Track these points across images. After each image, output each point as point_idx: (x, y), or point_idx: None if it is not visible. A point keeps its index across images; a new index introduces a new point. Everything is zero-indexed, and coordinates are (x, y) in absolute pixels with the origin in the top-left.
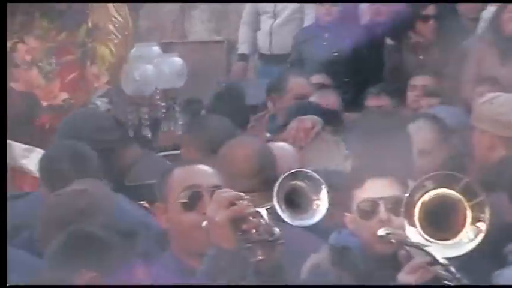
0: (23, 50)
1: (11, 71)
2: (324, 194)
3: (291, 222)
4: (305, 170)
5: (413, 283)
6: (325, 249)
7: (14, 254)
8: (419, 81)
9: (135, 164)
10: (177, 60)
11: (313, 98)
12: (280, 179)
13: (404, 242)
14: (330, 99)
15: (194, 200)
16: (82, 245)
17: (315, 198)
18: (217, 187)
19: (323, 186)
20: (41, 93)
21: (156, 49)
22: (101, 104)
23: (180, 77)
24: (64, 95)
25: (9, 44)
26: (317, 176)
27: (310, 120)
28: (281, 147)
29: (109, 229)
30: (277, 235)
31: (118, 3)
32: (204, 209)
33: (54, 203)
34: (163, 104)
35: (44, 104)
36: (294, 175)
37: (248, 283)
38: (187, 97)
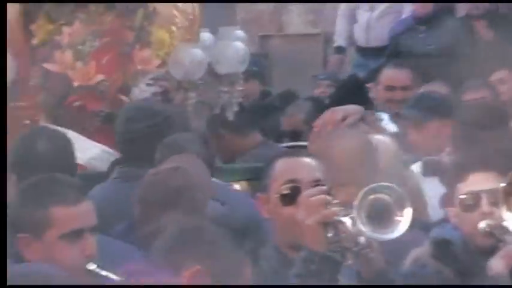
0: (66, 32)
1: (49, 53)
2: (407, 212)
3: (370, 234)
4: (391, 185)
5: (504, 269)
6: (427, 243)
7: (111, 244)
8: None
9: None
10: (240, 45)
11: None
12: (364, 190)
13: (505, 234)
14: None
15: (293, 194)
16: (192, 239)
17: (398, 213)
18: (318, 181)
19: (408, 204)
20: (75, 74)
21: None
22: (145, 87)
23: (241, 63)
24: (100, 77)
25: (52, 27)
26: (403, 192)
27: (342, 110)
28: (381, 140)
29: (220, 224)
30: (362, 245)
31: None
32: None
33: (151, 182)
34: (225, 89)
35: (76, 84)
36: (379, 187)
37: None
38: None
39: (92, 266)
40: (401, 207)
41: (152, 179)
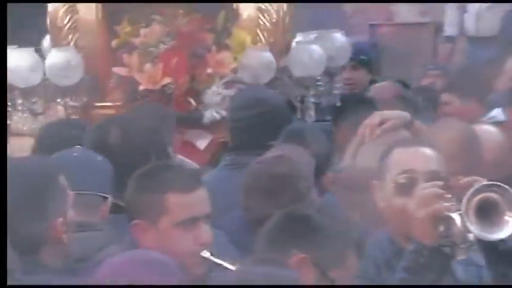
0: (142, 34)
1: (116, 56)
2: None
3: (477, 233)
4: (503, 184)
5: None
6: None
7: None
8: None
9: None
10: (316, 48)
11: None
12: (473, 189)
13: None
14: None
15: (408, 185)
16: (297, 227)
17: (508, 213)
18: (435, 173)
19: None
20: (142, 77)
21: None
22: (218, 89)
23: (319, 65)
24: (167, 80)
25: (131, 28)
26: None
27: (379, 115)
28: (487, 130)
29: (326, 214)
30: (470, 242)
31: None
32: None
33: (257, 171)
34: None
35: (142, 88)
36: (489, 186)
37: (448, 282)
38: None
39: (206, 254)
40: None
41: (257, 167)
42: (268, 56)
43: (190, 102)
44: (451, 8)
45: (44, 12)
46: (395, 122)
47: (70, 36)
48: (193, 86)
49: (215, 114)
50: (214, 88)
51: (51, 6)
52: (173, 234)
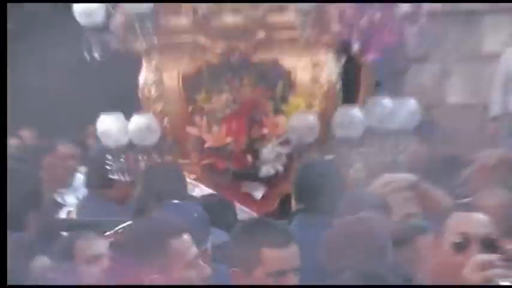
0: (214, 100)
1: (192, 119)
2: None
3: None
4: None
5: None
6: None
7: None
8: None
9: None
10: (356, 112)
11: None
12: None
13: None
14: None
15: (462, 245)
16: (368, 283)
17: None
18: (489, 237)
19: None
20: (209, 137)
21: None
22: (273, 148)
23: (357, 128)
24: (229, 139)
25: (205, 96)
26: None
27: (387, 178)
28: None
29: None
30: None
31: None
32: (468, 256)
33: (339, 230)
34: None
35: (207, 146)
36: None
37: None
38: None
39: None
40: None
41: (340, 227)
42: (311, 119)
43: (247, 159)
44: (495, 90)
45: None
46: (400, 183)
47: (157, 104)
48: (251, 144)
49: (271, 169)
50: (269, 147)
51: (142, 79)
52: (265, 282)
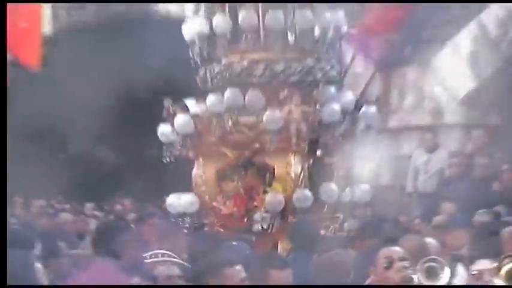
0: (230, 186)
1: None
2: (447, 271)
3: (425, 282)
4: (437, 257)
5: None
6: None
7: None
8: None
9: None
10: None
11: None
12: (421, 261)
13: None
14: None
15: (389, 264)
16: None
17: (441, 273)
18: (402, 255)
19: (446, 267)
20: (223, 208)
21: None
22: (261, 215)
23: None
24: (235, 210)
25: (224, 183)
26: (443, 261)
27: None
28: None
29: None
30: None
31: None
32: (392, 270)
33: (323, 261)
34: None
35: (223, 213)
36: (431, 259)
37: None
38: None
39: None
40: (443, 269)
41: (323, 258)
42: (280, 197)
43: (245, 220)
44: (409, 176)
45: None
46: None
47: (202, 187)
48: (247, 212)
49: (259, 226)
50: (258, 214)
51: (193, 173)
52: None
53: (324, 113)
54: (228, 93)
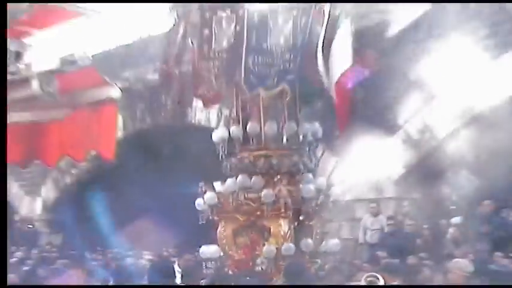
0: (241, 241)
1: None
2: (381, 279)
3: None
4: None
5: None
6: None
7: None
8: None
9: None
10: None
11: None
12: (365, 276)
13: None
14: None
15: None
16: None
17: (379, 281)
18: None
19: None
20: (237, 255)
21: None
22: (261, 260)
23: None
24: (243, 256)
25: (238, 238)
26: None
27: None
28: None
29: None
30: None
31: None
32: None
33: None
34: None
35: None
36: (371, 275)
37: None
38: None
39: None
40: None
41: (291, 264)
42: (273, 248)
43: (250, 264)
44: (360, 233)
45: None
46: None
47: (224, 240)
48: (252, 258)
49: (260, 268)
50: (259, 259)
51: (218, 232)
52: None
53: (304, 191)
54: (239, 178)
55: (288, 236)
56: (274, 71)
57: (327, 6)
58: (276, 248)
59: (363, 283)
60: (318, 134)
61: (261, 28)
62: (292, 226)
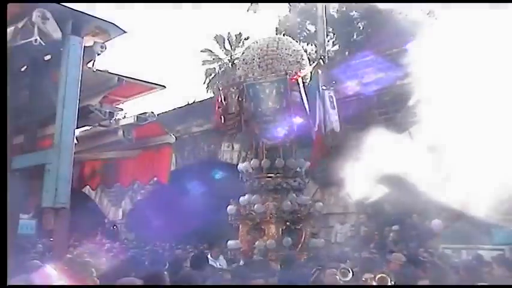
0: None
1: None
2: (351, 273)
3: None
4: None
5: None
6: None
7: None
8: None
9: None
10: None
11: None
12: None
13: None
14: None
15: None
16: None
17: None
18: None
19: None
20: (245, 248)
21: None
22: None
23: None
24: (247, 247)
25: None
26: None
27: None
28: None
29: None
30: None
31: None
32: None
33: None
34: None
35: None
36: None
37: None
38: None
39: None
40: (349, 272)
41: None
42: (266, 242)
43: (253, 253)
44: None
45: None
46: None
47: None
48: (253, 249)
49: (258, 255)
50: (256, 250)
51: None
52: None
53: (284, 205)
54: (247, 196)
55: (275, 235)
56: (273, 126)
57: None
58: (270, 242)
59: (338, 274)
60: (306, 164)
61: (255, 98)
62: (280, 229)
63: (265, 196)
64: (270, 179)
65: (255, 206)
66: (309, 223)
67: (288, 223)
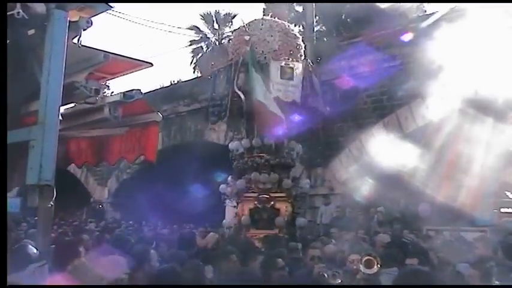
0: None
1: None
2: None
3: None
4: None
5: None
6: None
7: None
8: None
9: None
10: None
11: None
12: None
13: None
14: None
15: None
16: None
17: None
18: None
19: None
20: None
21: None
22: None
23: None
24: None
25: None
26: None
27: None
28: None
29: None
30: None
31: None
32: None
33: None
34: None
35: None
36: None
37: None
38: None
39: None
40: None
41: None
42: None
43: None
44: None
45: None
46: None
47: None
48: None
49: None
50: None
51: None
52: None
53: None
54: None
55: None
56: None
57: None
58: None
59: (361, 263)
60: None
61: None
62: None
63: (253, 174)
64: (259, 158)
65: (237, 182)
66: (293, 202)
67: (266, 199)
